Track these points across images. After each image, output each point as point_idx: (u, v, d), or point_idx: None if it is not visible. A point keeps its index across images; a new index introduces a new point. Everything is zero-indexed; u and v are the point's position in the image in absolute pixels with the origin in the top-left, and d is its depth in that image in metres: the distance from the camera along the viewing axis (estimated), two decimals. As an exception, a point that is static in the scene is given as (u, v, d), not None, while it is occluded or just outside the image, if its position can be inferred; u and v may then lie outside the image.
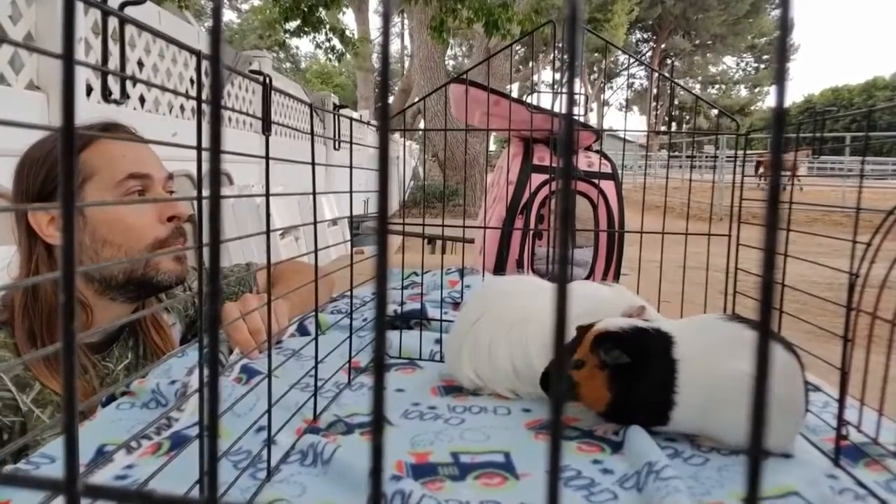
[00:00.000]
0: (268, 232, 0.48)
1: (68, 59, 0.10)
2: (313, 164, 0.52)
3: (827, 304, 0.62)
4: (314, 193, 0.51)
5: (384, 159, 0.16)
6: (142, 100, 2.95)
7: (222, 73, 0.13)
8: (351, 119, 0.79)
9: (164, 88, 0.35)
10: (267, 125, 0.47)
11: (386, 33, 0.16)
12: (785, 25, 0.15)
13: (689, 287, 0.87)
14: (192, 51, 0.38)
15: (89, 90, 2.59)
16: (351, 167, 0.71)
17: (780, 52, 0.15)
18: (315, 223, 0.54)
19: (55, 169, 0.85)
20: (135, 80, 2.86)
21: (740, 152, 0.86)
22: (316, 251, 0.60)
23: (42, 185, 0.85)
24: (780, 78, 0.14)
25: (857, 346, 0.57)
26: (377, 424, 0.17)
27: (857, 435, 0.60)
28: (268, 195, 0.48)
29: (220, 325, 1.12)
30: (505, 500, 0.53)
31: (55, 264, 0.88)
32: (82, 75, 2.14)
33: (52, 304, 0.84)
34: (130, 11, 2.75)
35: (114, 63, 2.72)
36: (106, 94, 2.34)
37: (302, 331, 1.00)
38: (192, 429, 0.62)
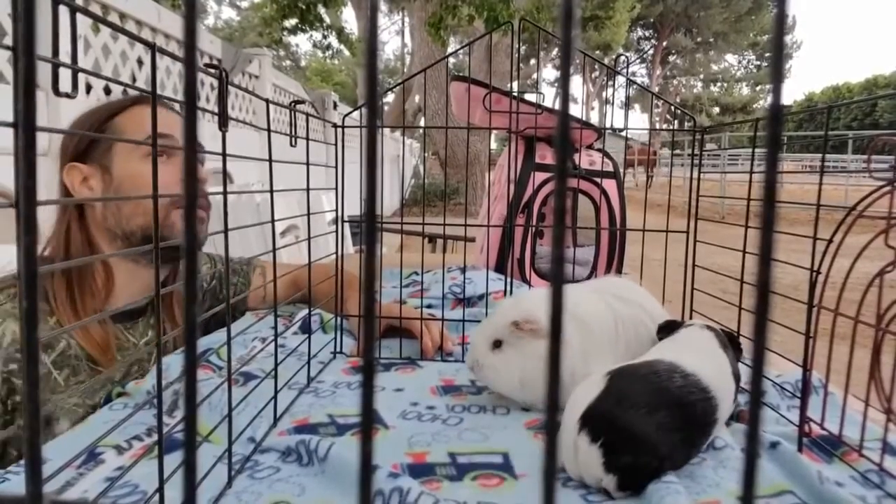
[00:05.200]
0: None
1: (28, 55, 0.10)
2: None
3: (795, 302, 0.62)
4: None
5: (371, 158, 0.16)
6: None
7: (196, 72, 0.12)
8: (307, 115, 0.77)
9: (116, 81, 0.35)
10: (224, 120, 0.46)
11: (374, 26, 0.16)
12: (781, 21, 0.14)
13: (677, 285, 0.86)
14: (146, 43, 0.37)
15: (88, 88, 2.58)
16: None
17: (777, 48, 0.14)
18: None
19: (90, 130, 0.93)
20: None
21: (699, 149, 0.87)
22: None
23: (77, 145, 0.92)
24: (776, 75, 0.13)
25: (822, 342, 0.57)
26: (366, 431, 0.16)
27: (822, 431, 0.61)
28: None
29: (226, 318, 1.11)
30: (502, 500, 0.52)
31: (85, 220, 0.93)
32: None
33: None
34: (132, 4, 2.74)
35: (115, 63, 2.70)
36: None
37: (304, 328, 1.00)
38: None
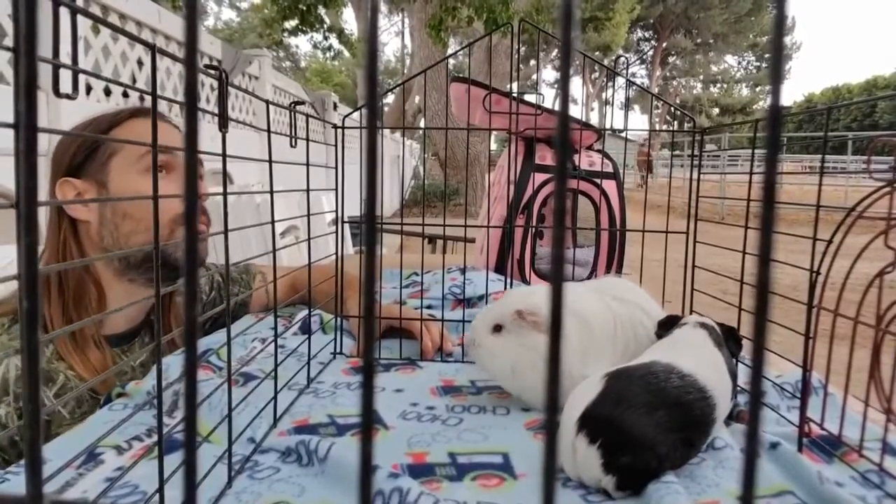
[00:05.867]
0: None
1: (29, 56, 0.10)
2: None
3: (795, 302, 0.62)
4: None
5: (371, 159, 0.16)
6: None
7: (197, 73, 0.13)
8: (307, 115, 0.77)
9: (116, 82, 0.35)
10: (224, 121, 0.47)
11: (374, 28, 0.16)
12: (781, 22, 0.14)
13: (677, 286, 0.86)
14: (147, 44, 0.38)
15: (89, 89, 2.58)
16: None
17: (776, 49, 0.14)
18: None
19: (84, 144, 0.89)
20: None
21: (698, 150, 0.87)
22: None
23: (71, 159, 0.89)
24: (775, 76, 0.13)
25: (822, 342, 0.57)
26: (366, 431, 0.16)
27: (822, 432, 0.61)
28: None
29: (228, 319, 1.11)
30: (502, 500, 0.52)
31: (80, 238, 0.90)
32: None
33: (79, 279, 0.88)
34: (132, 5, 2.74)
35: (115, 64, 2.70)
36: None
37: (304, 329, 1.00)
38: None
